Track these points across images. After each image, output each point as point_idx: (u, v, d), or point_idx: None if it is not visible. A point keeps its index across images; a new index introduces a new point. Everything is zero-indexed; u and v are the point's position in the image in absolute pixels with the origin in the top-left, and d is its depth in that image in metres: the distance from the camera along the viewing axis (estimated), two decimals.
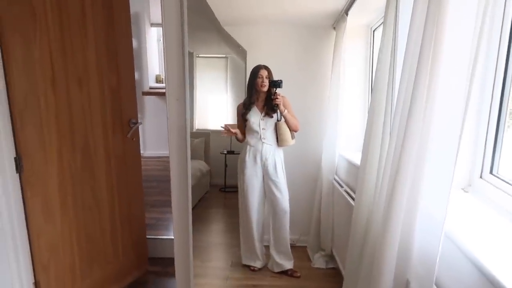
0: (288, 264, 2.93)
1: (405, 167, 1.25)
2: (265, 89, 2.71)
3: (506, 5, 1.37)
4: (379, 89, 1.71)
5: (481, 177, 1.57)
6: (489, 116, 1.51)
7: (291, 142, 2.77)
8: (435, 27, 1.12)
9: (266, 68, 2.74)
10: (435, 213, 1.20)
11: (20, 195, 1.86)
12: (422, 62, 1.16)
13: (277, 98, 2.64)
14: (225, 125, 2.76)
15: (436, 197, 1.20)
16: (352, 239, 1.90)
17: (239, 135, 2.83)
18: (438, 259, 1.17)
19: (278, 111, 2.70)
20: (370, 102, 1.80)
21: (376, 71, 1.75)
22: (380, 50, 1.72)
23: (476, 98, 1.53)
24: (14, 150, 1.81)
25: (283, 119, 2.73)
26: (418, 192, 1.26)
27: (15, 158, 1.81)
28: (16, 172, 1.82)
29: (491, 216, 1.36)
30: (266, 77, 2.70)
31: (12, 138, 1.80)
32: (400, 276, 1.37)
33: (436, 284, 1.29)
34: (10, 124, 1.78)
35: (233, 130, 2.76)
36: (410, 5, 1.31)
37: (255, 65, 2.76)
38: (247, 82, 2.85)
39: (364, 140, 1.83)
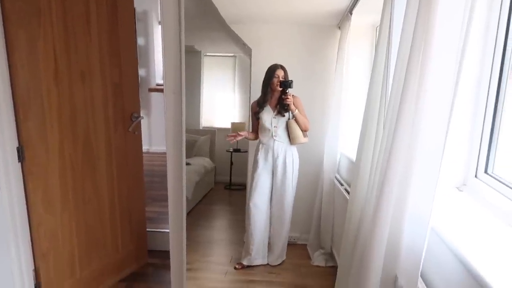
0: (277, 261, 3.00)
1: (394, 163, 1.25)
2: (280, 88, 2.74)
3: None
4: (374, 86, 1.73)
5: (476, 176, 1.57)
6: (485, 115, 1.50)
7: (303, 139, 2.79)
8: (425, 29, 1.13)
9: (282, 68, 2.77)
10: (422, 211, 1.20)
11: (22, 184, 1.91)
12: (413, 60, 1.17)
13: (288, 98, 2.66)
14: (229, 135, 2.82)
15: (423, 195, 1.21)
16: (346, 235, 1.91)
17: (250, 136, 2.90)
18: (423, 255, 1.17)
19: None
20: (366, 99, 1.81)
21: (372, 69, 1.76)
22: (376, 49, 1.73)
23: (472, 98, 1.53)
24: (16, 140, 1.86)
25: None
26: (407, 189, 1.26)
27: (17, 148, 1.86)
28: (18, 161, 1.87)
29: (483, 215, 1.36)
30: (282, 77, 2.73)
31: (15, 129, 1.85)
32: (389, 271, 1.38)
33: (424, 280, 1.29)
34: (13, 116, 1.83)
35: (241, 133, 2.81)
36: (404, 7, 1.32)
37: (272, 64, 2.79)
38: (262, 81, 2.85)
39: (360, 135, 1.84)
